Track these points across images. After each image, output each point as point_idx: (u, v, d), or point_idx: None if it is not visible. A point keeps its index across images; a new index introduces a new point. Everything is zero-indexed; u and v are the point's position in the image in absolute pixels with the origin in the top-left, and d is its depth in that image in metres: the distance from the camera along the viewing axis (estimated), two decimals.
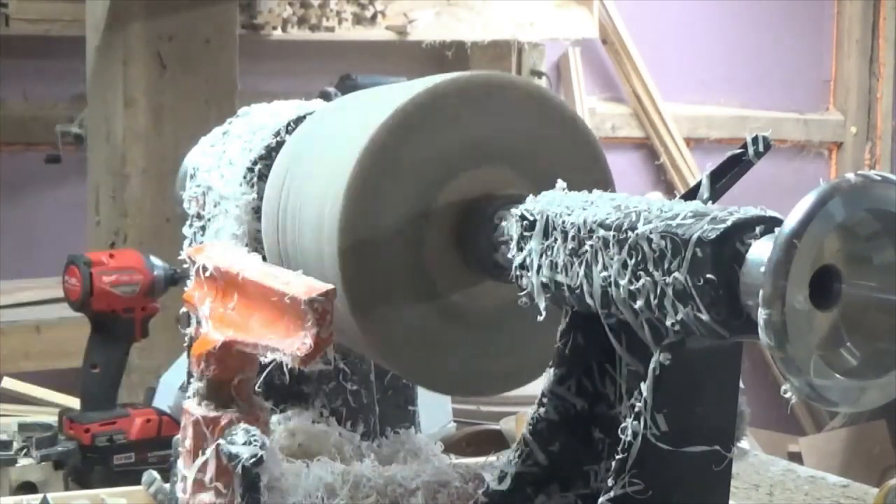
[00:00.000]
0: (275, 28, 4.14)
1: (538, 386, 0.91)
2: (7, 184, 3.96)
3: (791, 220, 0.68)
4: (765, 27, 5.35)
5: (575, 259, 0.83)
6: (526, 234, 0.88)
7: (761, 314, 0.68)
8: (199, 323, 0.99)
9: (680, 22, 5.21)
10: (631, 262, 0.78)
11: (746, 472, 1.56)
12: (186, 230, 1.28)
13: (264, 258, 1.05)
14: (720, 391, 0.78)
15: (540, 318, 0.86)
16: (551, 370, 0.89)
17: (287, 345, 0.83)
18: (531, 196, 0.89)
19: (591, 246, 0.81)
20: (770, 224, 0.73)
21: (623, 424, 0.78)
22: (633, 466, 0.77)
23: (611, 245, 0.79)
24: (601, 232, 0.80)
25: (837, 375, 0.69)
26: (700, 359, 0.77)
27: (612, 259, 0.79)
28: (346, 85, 3.54)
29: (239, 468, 0.88)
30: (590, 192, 0.87)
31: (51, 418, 1.85)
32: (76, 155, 3.81)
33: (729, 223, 0.73)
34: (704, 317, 0.73)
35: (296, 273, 0.88)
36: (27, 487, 1.68)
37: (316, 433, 1.20)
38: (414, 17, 4.32)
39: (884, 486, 1.42)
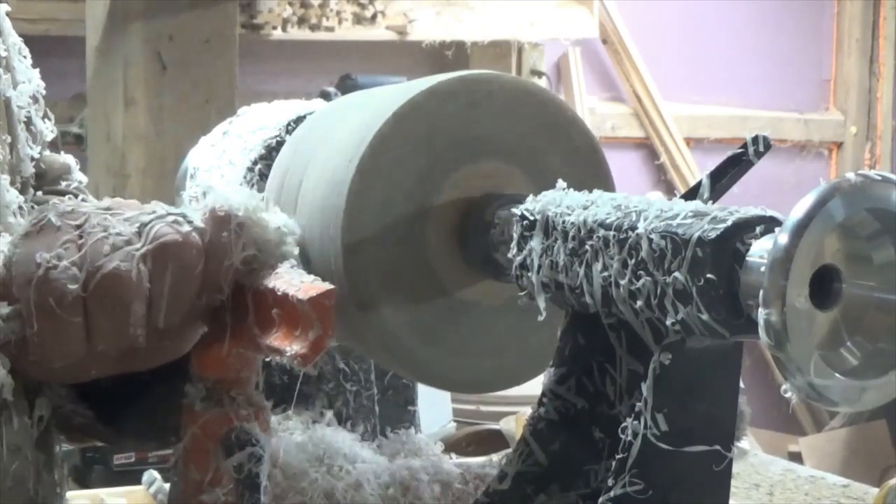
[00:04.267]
0: (275, 28, 4.14)
1: (538, 386, 0.91)
2: None
3: (791, 220, 0.68)
4: (765, 27, 5.35)
5: (575, 259, 0.83)
6: (526, 233, 0.88)
7: (761, 314, 0.68)
8: None
9: (680, 22, 5.21)
10: (631, 262, 0.78)
11: (746, 472, 1.56)
12: None
13: None
14: (720, 391, 0.79)
15: (540, 318, 0.86)
16: (551, 370, 0.89)
17: (287, 345, 0.83)
18: (531, 196, 0.89)
19: (591, 246, 0.81)
20: (770, 224, 0.73)
21: (623, 424, 0.78)
22: (633, 466, 0.77)
23: (611, 245, 0.79)
24: (601, 232, 0.80)
25: (837, 375, 0.69)
26: (700, 359, 0.77)
27: (612, 259, 0.79)
28: (346, 85, 3.55)
29: (239, 468, 0.88)
30: (590, 192, 0.87)
31: None
32: (76, 155, 3.81)
33: (729, 223, 0.73)
34: (704, 316, 0.73)
35: (296, 271, 0.88)
36: None
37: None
38: (414, 17, 4.32)
39: (884, 486, 1.42)
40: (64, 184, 1.17)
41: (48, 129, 1.14)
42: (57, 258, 0.81)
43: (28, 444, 0.91)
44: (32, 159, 1.08)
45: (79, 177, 1.19)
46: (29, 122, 1.09)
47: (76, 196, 1.09)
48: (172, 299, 0.83)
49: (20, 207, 1.00)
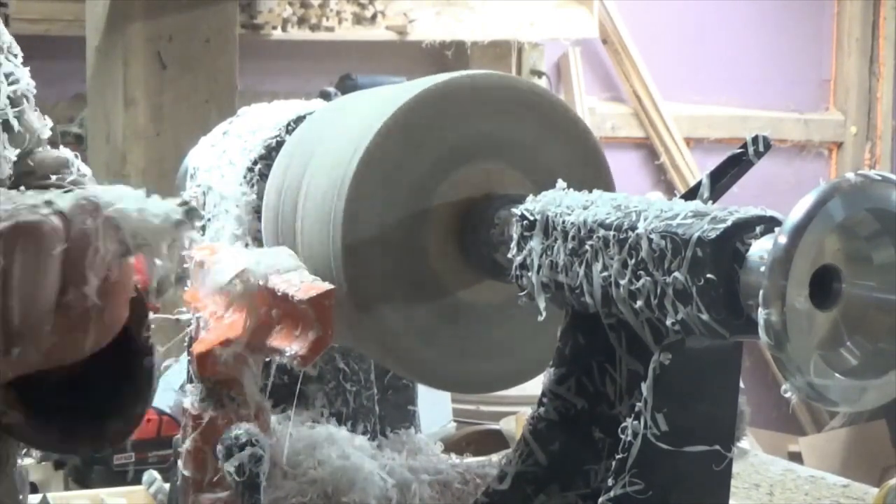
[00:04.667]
0: (275, 28, 4.14)
1: (538, 386, 0.91)
2: None
3: (791, 220, 0.68)
4: (765, 27, 5.35)
5: (575, 259, 0.83)
6: (526, 234, 0.88)
7: (761, 314, 0.68)
8: (199, 323, 0.99)
9: (680, 22, 5.21)
10: (631, 262, 0.78)
11: (746, 472, 1.56)
12: None
13: None
14: (720, 391, 0.79)
15: (540, 318, 0.86)
16: (551, 370, 0.89)
17: (287, 345, 0.83)
18: (531, 196, 0.89)
19: (591, 246, 0.81)
20: (770, 224, 0.73)
21: (623, 424, 0.78)
22: (633, 466, 0.77)
23: (611, 245, 0.79)
24: (601, 232, 0.80)
25: (837, 375, 0.69)
26: (700, 359, 0.77)
27: (612, 259, 0.79)
28: (346, 85, 3.55)
29: (239, 469, 0.88)
30: (590, 192, 0.87)
31: None
32: (76, 155, 3.81)
33: (729, 223, 0.73)
34: (704, 316, 0.73)
35: (297, 272, 0.88)
36: None
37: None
38: (414, 17, 4.32)
39: (884, 486, 1.42)
40: (55, 177, 1.15)
41: (46, 127, 1.13)
42: None
43: None
44: (9, 160, 1.06)
45: (82, 169, 1.18)
46: (6, 124, 1.08)
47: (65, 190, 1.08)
48: (26, 284, 0.80)
49: None
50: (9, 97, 1.10)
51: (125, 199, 0.83)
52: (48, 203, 0.82)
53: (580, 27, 4.60)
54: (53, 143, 1.16)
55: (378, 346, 0.98)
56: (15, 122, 1.09)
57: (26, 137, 1.10)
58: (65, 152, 1.17)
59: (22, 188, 0.87)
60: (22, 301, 0.79)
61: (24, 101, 1.12)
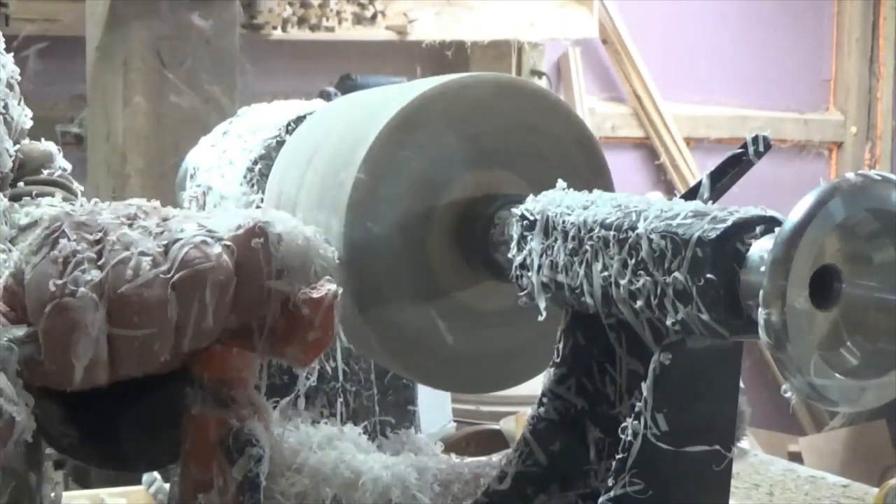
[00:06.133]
0: (275, 28, 4.14)
1: (538, 386, 0.91)
2: None
3: (791, 220, 0.68)
4: (765, 27, 5.35)
5: (575, 259, 0.83)
6: (526, 233, 0.88)
7: (761, 314, 0.68)
8: None
9: (680, 22, 5.21)
10: (631, 262, 0.78)
11: (746, 472, 1.56)
12: None
13: None
14: (720, 391, 0.79)
15: (540, 318, 0.86)
16: (551, 370, 0.89)
17: (286, 346, 0.83)
18: (531, 196, 0.89)
19: (591, 246, 0.81)
20: (770, 224, 0.73)
21: (623, 424, 0.78)
22: (633, 466, 0.77)
23: (611, 245, 0.79)
24: (601, 231, 0.80)
25: (837, 375, 0.69)
26: (700, 359, 0.77)
27: (612, 259, 0.79)
28: (346, 85, 3.55)
29: (239, 469, 0.88)
30: (590, 192, 0.87)
31: None
32: (76, 155, 3.81)
33: (729, 223, 0.73)
34: (704, 316, 0.73)
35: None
36: None
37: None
38: (414, 17, 4.32)
39: (884, 486, 1.42)
40: (46, 172, 1.13)
41: (26, 116, 1.10)
42: (74, 282, 0.73)
43: (22, 465, 0.90)
44: (10, 153, 1.03)
45: (62, 164, 1.16)
46: (5, 113, 1.05)
47: (57, 184, 1.06)
48: (200, 325, 0.78)
49: (2, 213, 0.97)
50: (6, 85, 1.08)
51: (281, 221, 0.81)
52: (214, 235, 0.78)
53: (580, 27, 4.61)
54: (34, 137, 1.14)
55: (378, 347, 0.98)
56: (14, 113, 1.07)
57: (13, 127, 1.08)
58: (48, 145, 1.15)
59: (132, 203, 0.83)
60: (193, 340, 0.78)
61: (10, 89, 1.09)
